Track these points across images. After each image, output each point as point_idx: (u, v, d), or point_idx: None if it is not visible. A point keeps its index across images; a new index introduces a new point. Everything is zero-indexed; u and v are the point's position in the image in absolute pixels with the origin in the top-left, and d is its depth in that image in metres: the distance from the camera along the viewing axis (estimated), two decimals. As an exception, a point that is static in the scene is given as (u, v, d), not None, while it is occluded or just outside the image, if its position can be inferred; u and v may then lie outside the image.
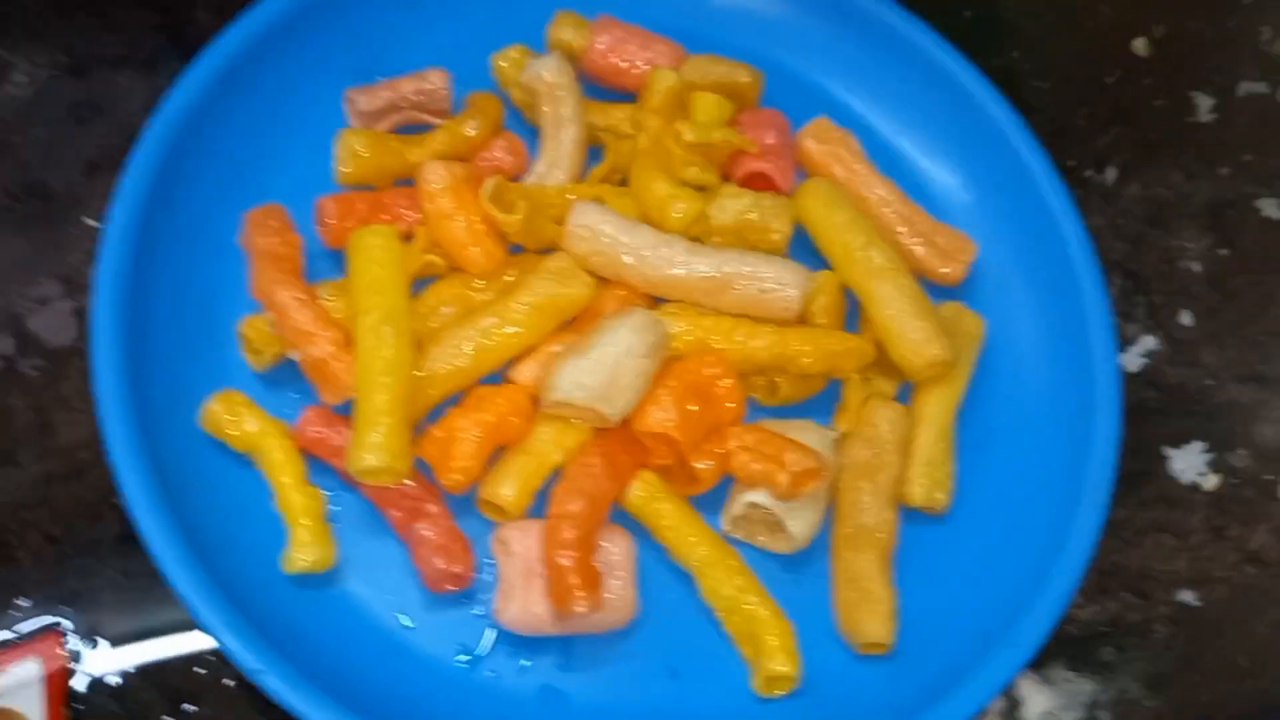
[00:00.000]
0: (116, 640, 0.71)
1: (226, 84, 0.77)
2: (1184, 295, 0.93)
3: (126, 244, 0.71)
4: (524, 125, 0.84)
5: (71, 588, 0.72)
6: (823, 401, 0.79)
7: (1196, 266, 0.95)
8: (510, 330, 0.72)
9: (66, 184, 0.85)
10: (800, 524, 0.71)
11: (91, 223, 0.82)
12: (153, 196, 0.73)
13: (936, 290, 0.82)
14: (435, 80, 0.80)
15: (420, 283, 0.76)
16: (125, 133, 0.85)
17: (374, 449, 0.65)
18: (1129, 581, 0.82)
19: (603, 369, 0.69)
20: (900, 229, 0.82)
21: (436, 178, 0.73)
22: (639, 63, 0.83)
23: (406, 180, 0.78)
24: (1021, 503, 0.77)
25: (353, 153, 0.77)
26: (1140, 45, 1.04)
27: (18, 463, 0.76)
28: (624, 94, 0.84)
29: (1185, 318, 0.92)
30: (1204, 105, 1.01)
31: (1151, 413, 0.87)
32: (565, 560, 0.65)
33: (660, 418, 0.69)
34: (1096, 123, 0.99)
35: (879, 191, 0.83)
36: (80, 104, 0.87)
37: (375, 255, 0.71)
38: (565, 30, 0.84)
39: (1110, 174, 0.97)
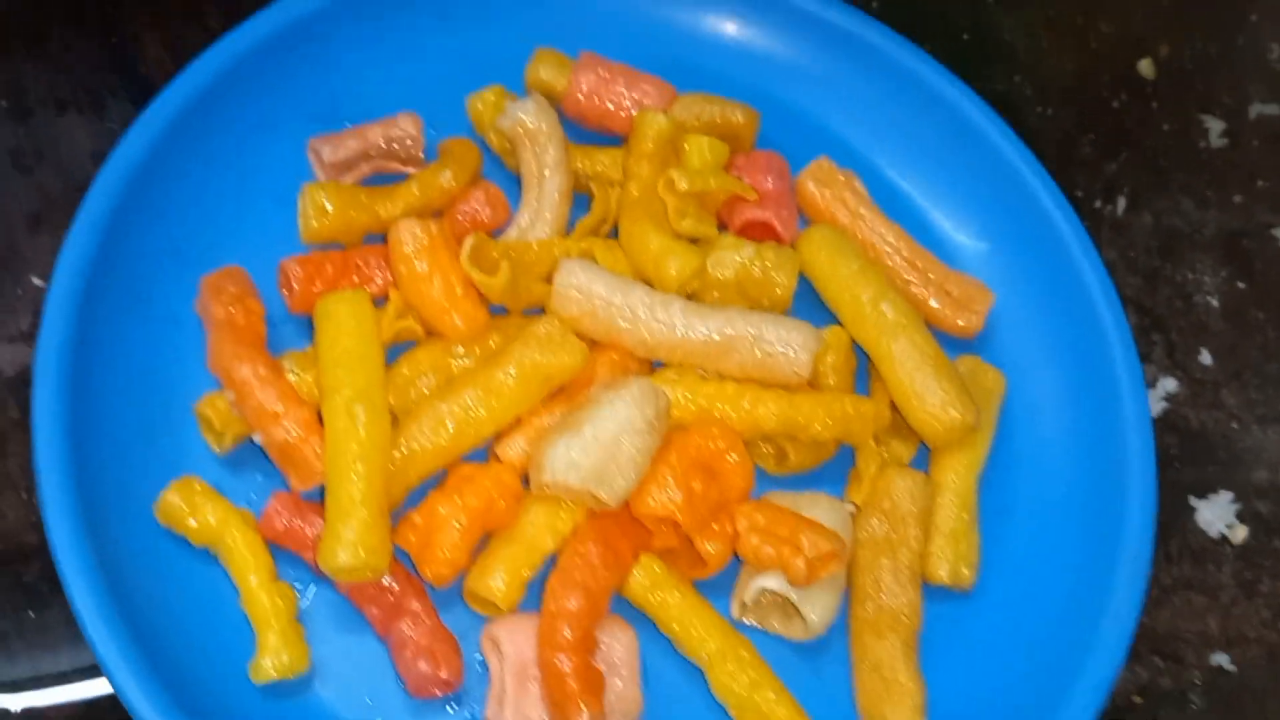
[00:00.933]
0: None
1: (179, 134, 0.71)
2: (1202, 332, 0.88)
3: (70, 314, 0.65)
4: (503, 172, 0.78)
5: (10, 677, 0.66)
6: (833, 467, 0.73)
7: (1214, 301, 0.90)
8: (495, 403, 0.66)
9: (8, 240, 0.78)
10: (818, 609, 0.66)
11: (39, 282, 0.76)
12: (99, 260, 0.66)
13: (950, 343, 0.76)
14: (406, 126, 0.74)
15: (396, 348, 0.69)
16: (71, 181, 0.79)
17: (349, 546, 0.59)
18: (1159, 644, 0.77)
19: (599, 447, 0.63)
20: (910, 277, 0.77)
21: (410, 238, 0.67)
22: (626, 104, 0.77)
23: (377, 236, 0.72)
24: (1053, 573, 0.71)
25: (319, 209, 0.70)
26: (1145, 66, 0.99)
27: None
28: (610, 137, 0.78)
29: (1204, 356, 0.87)
30: (1214, 129, 0.96)
31: (1174, 460, 0.82)
32: (564, 664, 0.59)
33: (663, 499, 0.64)
34: (1102, 149, 0.95)
35: (886, 237, 0.77)
36: (21, 150, 0.81)
37: (345, 325, 0.64)
38: (545, 69, 0.78)
39: (1119, 204, 0.93)
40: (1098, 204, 0.92)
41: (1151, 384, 0.85)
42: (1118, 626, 0.68)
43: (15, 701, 0.66)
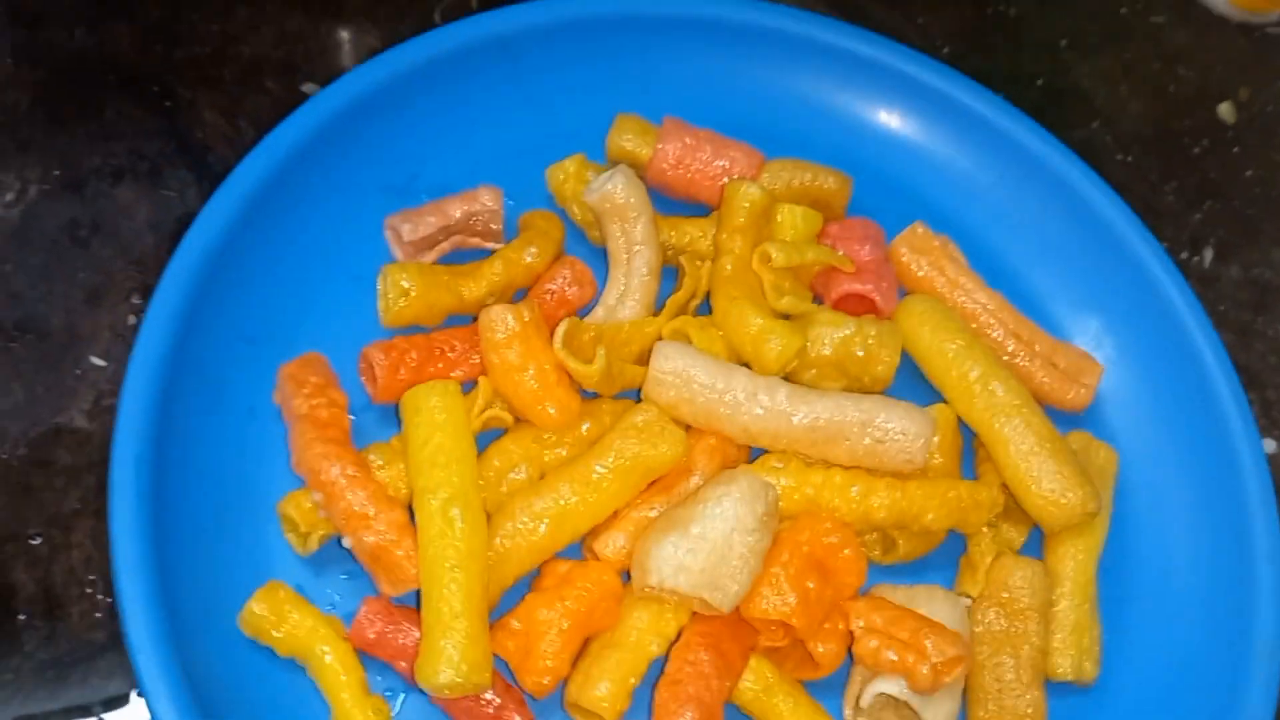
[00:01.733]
0: None
1: (251, 214, 0.67)
2: (1300, 391, 0.85)
3: (146, 408, 0.61)
4: (584, 245, 0.74)
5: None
6: (940, 552, 0.69)
7: (1312, 356, 0.87)
8: (592, 497, 0.62)
9: (65, 317, 0.75)
10: (939, 714, 0.62)
11: (99, 362, 0.73)
12: (174, 350, 0.63)
13: (1057, 417, 0.73)
14: (486, 200, 0.71)
15: (481, 438, 0.66)
16: (128, 254, 0.76)
17: (451, 662, 0.56)
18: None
19: (708, 548, 0.59)
20: (1015, 350, 0.73)
21: (502, 326, 0.63)
22: (713, 171, 0.73)
23: (460, 316, 0.69)
24: (1181, 664, 0.67)
25: (399, 291, 0.67)
26: (1226, 110, 0.96)
27: (23, 650, 0.66)
28: (696, 206, 0.75)
29: (1306, 416, 0.84)
30: (1299, 175, 0.93)
31: None
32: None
33: (777, 602, 0.60)
34: (1186, 199, 0.91)
35: (988, 306, 0.74)
36: (77, 223, 0.78)
37: (437, 419, 0.61)
38: (628, 137, 0.74)
39: (1206, 255, 0.89)
40: (1184, 255, 0.89)
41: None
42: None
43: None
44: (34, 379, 0.73)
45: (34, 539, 0.68)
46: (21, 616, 0.66)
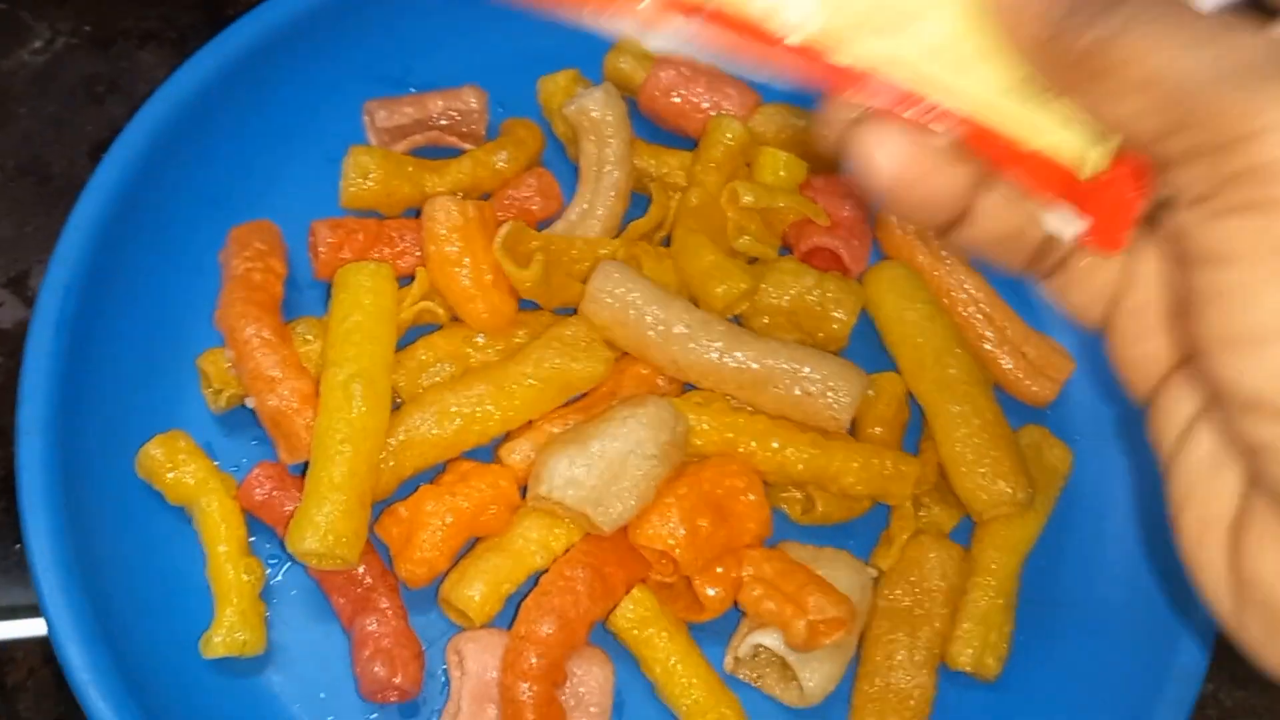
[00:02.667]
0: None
1: (236, 76, 0.68)
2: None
3: (86, 246, 0.62)
4: (567, 163, 0.73)
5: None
6: (864, 525, 0.67)
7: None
8: (507, 402, 0.61)
9: (67, 166, 0.77)
10: (817, 676, 0.60)
11: (91, 213, 0.74)
12: (131, 193, 0.64)
13: (1019, 410, 0.69)
14: (469, 99, 0.70)
15: (415, 331, 0.66)
16: (139, 115, 0.78)
17: (319, 530, 0.56)
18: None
19: (603, 466, 0.58)
20: (985, 332, 0.70)
21: (445, 215, 0.63)
22: (704, 105, 0.72)
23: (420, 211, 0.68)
24: (1091, 680, 0.64)
25: (361, 172, 0.67)
26: None
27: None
28: (683, 140, 0.73)
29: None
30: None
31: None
32: (524, 693, 0.55)
33: (664, 532, 0.58)
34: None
35: (966, 285, 0.71)
36: (96, 78, 0.79)
37: (361, 297, 0.61)
38: (626, 59, 0.73)
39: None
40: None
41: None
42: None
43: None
44: (25, 219, 0.75)
45: (-8, 366, 0.70)
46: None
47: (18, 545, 0.66)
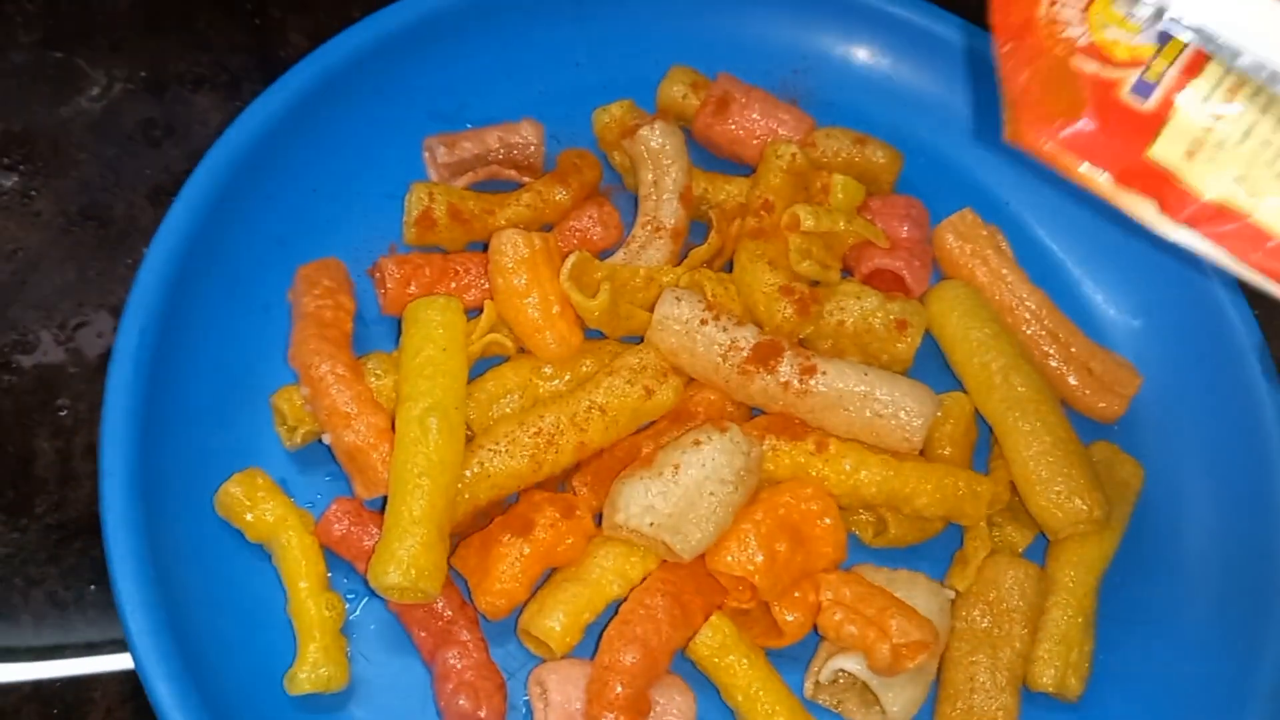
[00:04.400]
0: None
1: (298, 117, 0.69)
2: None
3: (160, 286, 0.63)
4: (625, 195, 0.74)
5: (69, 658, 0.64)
6: (938, 548, 0.66)
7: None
8: (578, 433, 0.62)
9: (128, 209, 0.78)
10: (900, 700, 0.59)
11: (150, 255, 0.75)
12: (198, 235, 0.65)
13: (1088, 426, 0.69)
14: (527, 132, 0.71)
15: (483, 363, 0.66)
16: (196, 157, 0.77)
17: (401, 564, 0.56)
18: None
19: (678, 494, 0.58)
20: (1049, 350, 0.70)
21: (511, 249, 0.63)
22: (760, 131, 0.72)
23: (483, 245, 0.69)
24: (1172, 694, 0.63)
25: (424, 209, 0.67)
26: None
27: (33, 513, 0.68)
28: (739, 166, 0.74)
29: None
30: None
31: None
32: (610, 723, 0.55)
33: (742, 559, 0.58)
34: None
35: (1030, 304, 0.71)
36: (153, 123, 0.81)
37: (433, 332, 0.61)
38: (679, 87, 0.74)
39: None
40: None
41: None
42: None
43: (63, 668, 0.65)
44: (88, 264, 0.76)
45: (60, 411, 0.71)
46: (36, 481, 0.68)
47: (93, 586, 0.66)
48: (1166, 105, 0.42)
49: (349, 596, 0.62)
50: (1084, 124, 0.43)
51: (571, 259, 0.63)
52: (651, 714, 0.57)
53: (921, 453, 0.66)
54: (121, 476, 0.59)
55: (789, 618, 0.60)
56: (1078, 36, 0.44)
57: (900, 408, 0.62)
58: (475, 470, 0.61)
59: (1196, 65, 0.43)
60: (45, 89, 0.80)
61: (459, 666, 0.58)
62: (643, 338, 0.66)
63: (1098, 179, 0.43)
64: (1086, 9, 0.44)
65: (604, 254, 0.70)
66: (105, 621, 0.65)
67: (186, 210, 0.65)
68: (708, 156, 0.75)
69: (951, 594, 0.64)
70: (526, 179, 0.72)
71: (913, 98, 0.78)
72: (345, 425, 0.60)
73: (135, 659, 0.55)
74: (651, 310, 0.65)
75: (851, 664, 0.59)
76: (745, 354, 0.62)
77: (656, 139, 0.68)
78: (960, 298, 0.69)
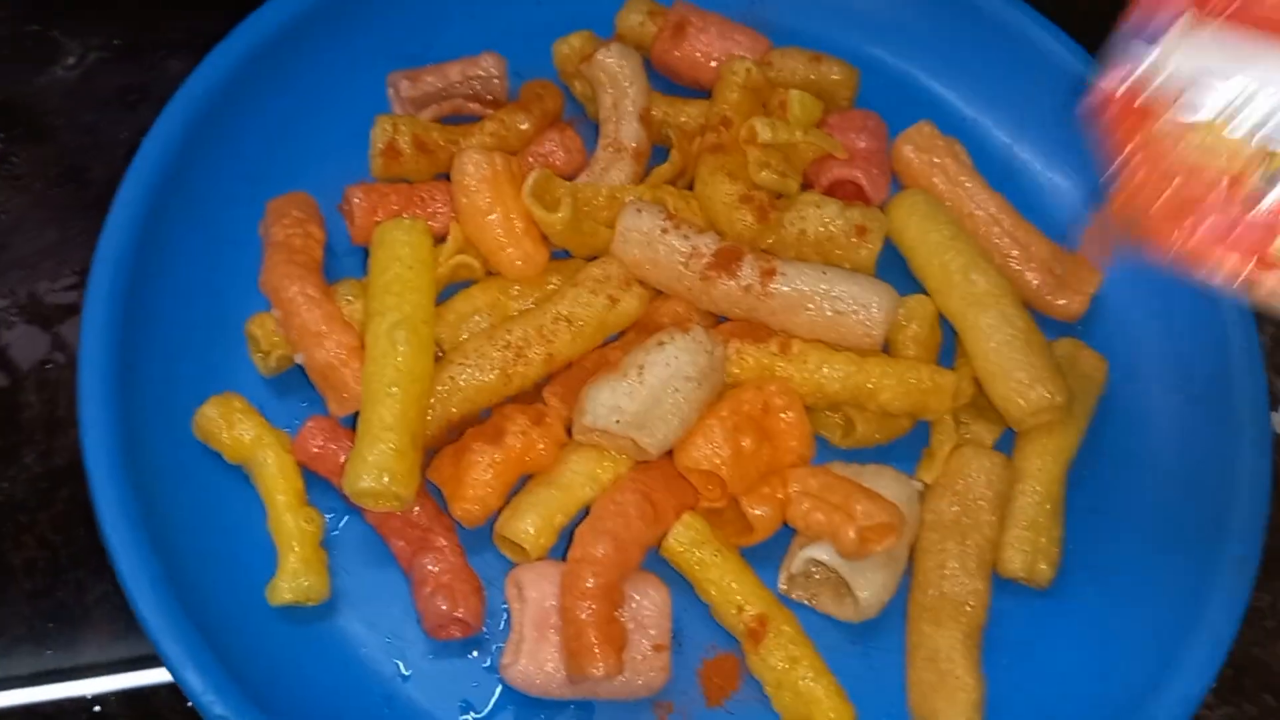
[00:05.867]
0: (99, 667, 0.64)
1: (261, 61, 0.71)
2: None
3: (131, 226, 0.64)
4: (588, 123, 0.75)
5: (61, 599, 0.65)
6: (907, 447, 0.67)
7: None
8: (546, 345, 0.63)
9: (106, 171, 0.79)
10: (870, 587, 0.60)
11: (130, 215, 0.77)
12: (167, 178, 0.66)
13: (1050, 326, 0.70)
14: (488, 65, 0.72)
15: (453, 287, 0.67)
16: (175, 120, 0.80)
17: (373, 469, 0.57)
18: (1270, 680, 0.69)
19: (644, 393, 0.59)
20: (1012, 253, 0.71)
21: (474, 168, 0.65)
22: (716, 54, 0.73)
23: (449, 176, 0.70)
24: (1142, 579, 0.64)
25: (389, 140, 0.69)
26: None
27: (21, 462, 0.69)
28: (699, 91, 0.75)
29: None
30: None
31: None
32: (583, 613, 0.56)
33: (708, 453, 0.59)
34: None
35: (989, 208, 0.72)
36: (129, 88, 0.82)
37: (399, 251, 0.63)
38: (636, 15, 0.75)
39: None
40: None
41: (1275, 405, 0.76)
42: (1208, 647, 0.61)
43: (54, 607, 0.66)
44: (69, 224, 0.77)
45: (46, 365, 0.72)
46: (24, 432, 0.70)
47: (82, 530, 0.67)
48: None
49: (329, 514, 0.63)
50: (1210, 234, 0.46)
51: (533, 176, 0.65)
52: (626, 607, 0.59)
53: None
54: (100, 405, 0.60)
55: (758, 512, 0.61)
56: (1188, 150, 0.47)
57: (860, 303, 0.63)
58: (447, 385, 0.62)
59: None
60: (22, 61, 0.82)
61: (436, 570, 0.59)
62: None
63: (1234, 273, 0.46)
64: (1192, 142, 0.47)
65: (568, 179, 0.71)
66: (95, 562, 0.66)
67: (155, 151, 0.67)
68: (668, 84, 0.76)
69: (919, 485, 0.65)
70: (490, 112, 0.73)
71: (871, 20, 0.79)
72: (317, 344, 0.62)
73: (121, 580, 0.57)
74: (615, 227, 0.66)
75: (821, 552, 0.60)
76: (707, 260, 0.64)
77: (614, 60, 0.70)
78: (919, 204, 0.70)
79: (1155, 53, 0.48)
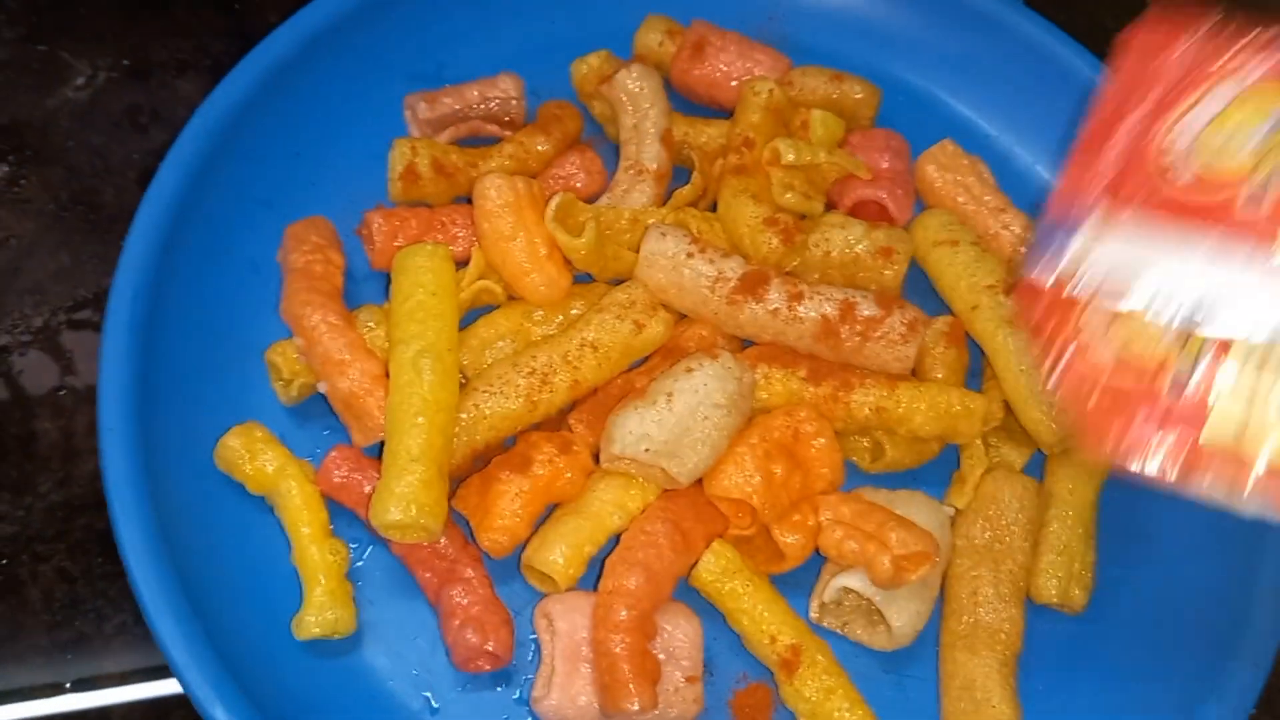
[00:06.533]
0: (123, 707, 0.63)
1: (277, 82, 0.70)
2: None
3: (149, 255, 0.63)
4: (607, 142, 0.74)
5: (80, 630, 0.64)
6: (935, 471, 0.67)
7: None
8: (571, 372, 0.62)
9: (117, 194, 0.78)
10: (904, 616, 0.60)
11: (143, 238, 0.76)
12: (184, 203, 0.65)
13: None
14: (506, 86, 0.72)
15: (475, 312, 0.67)
16: (183, 141, 0.79)
17: (401, 501, 0.56)
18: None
19: (672, 420, 0.58)
20: (1036, 271, 0.70)
21: (496, 192, 0.64)
22: (736, 74, 0.73)
23: (469, 199, 0.69)
24: (1179, 603, 0.64)
25: (408, 163, 0.68)
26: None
27: (37, 491, 0.68)
28: (718, 111, 0.74)
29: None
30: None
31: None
32: (617, 646, 0.55)
33: (739, 481, 0.59)
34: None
35: (1013, 226, 0.71)
36: (138, 109, 0.81)
37: (422, 278, 0.62)
38: (654, 35, 0.74)
39: None
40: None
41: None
42: (1246, 674, 0.60)
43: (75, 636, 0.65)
44: (80, 248, 0.76)
45: (60, 391, 0.71)
46: (40, 460, 0.69)
47: (100, 559, 0.66)
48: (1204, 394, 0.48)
49: (353, 545, 0.62)
50: (1142, 430, 0.48)
51: (556, 199, 0.64)
52: (658, 639, 0.58)
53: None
54: (121, 436, 0.59)
55: (789, 539, 0.60)
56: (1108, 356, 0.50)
57: (889, 325, 0.62)
58: (471, 413, 0.61)
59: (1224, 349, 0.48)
60: (30, 82, 0.81)
61: (465, 603, 0.58)
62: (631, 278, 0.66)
63: (1166, 472, 0.48)
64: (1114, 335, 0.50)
65: (589, 201, 0.71)
66: (114, 591, 0.66)
67: (171, 177, 0.66)
68: (687, 104, 0.75)
69: (950, 511, 0.64)
70: (508, 134, 0.73)
71: (889, 36, 0.79)
72: (340, 373, 0.61)
73: (145, 614, 0.56)
74: (638, 250, 0.65)
75: (854, 581, 0.60)
76: (733, 284, 0.63)
77: (634, 81, 0.69)
78: (944, 224, 0.69)
79: (1076, 244, 0.50)
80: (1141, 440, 0.48)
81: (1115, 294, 0.50)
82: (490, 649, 0.58)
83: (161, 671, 0.63)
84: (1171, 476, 0.48)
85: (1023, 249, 0.71)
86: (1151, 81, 0.53)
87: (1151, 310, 0.49)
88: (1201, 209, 0.50)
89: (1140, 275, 0.49)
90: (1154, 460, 0.48)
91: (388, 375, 0.61)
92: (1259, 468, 0.46)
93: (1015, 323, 0.65)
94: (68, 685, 0.64)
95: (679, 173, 0.73)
